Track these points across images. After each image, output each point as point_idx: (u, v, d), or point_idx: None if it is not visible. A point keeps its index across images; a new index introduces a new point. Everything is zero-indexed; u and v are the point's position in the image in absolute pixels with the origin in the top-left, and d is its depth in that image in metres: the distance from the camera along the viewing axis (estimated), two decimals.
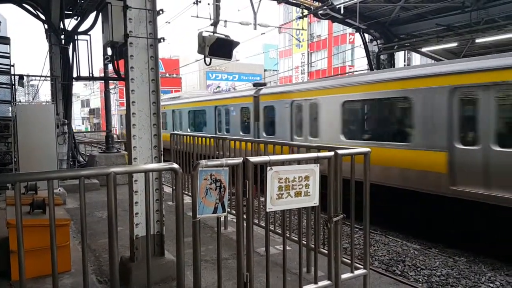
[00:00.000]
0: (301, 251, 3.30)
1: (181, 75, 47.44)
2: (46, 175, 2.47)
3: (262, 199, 3.50)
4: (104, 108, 16.46)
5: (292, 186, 2.85)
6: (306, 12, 14.45)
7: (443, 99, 7.17)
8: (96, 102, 60.14)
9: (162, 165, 2.89)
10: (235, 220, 3.22)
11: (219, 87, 45.45)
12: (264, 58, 48.58)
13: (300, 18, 20.76)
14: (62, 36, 10.25)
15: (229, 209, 3.92)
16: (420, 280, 5.63)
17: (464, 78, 6.95)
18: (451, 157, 7.03)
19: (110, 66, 10.66)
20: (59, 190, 7.32)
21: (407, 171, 7.79)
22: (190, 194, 4.63)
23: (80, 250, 2.60)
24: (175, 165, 2.71)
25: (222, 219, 4.93)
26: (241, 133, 13.36)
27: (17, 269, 2.28)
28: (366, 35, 15.18)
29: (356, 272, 3.51)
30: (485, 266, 6.28)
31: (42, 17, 10.21)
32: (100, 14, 4.42)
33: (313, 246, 3.78)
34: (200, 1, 12.39)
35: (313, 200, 2.99)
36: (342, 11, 13.03)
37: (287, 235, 3.78)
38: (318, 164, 2.98)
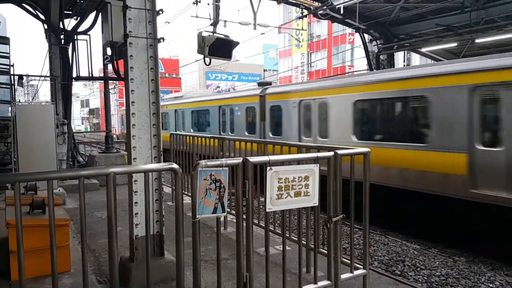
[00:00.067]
0: (301, 251, 3.30)
1: (180, 75, 47.45)
2: (46, 175, 2.47)
3: (262, 199, 3.50)
4: (103, 108, 16.46)
5: (292, 186, 2.85)
6: (305, 12, 14.46)
7: (463, 98, 6.86)
8: (96, 102, 60.15)
9: (162, 165, 2.89)
10: (234, 220, 3.22)
11: (218, 87, 45.45)
12: (263, 58, 48.59)
13: (299, 18, 20.78)
14: (62, 36, 10.25)
15: (228, 209, 3.92)
16: (420, 280, 5.63)
17: (485, 76, 6.66)
18: (472, 159, 6.72)
19: (109, 66, 10.65)
20: (59, 190, 7.31)
21: (424, 173, 7.46)
22: (189, 194, 4.63)
23: (80, 250, 2.60)
24: (175, 165, 2.71)
25: (222, 219, 4.91)
26: (246, 134, 13.10)
27: (16, 269, 2.28)
28: (366, 35, 15.18)
29: (356, 272, 3.51)
30: (485, 266, 6.28)
31: (42, 17, 10.22)
32: (100, 14, 4.42)
33: (312, 246, 3.78)
34: (199, 1, 12.40)
35: (313, 200, 2.99)
36: (341, 11, 13.04)
37: (286, 235, 3.78)
38: (318, 164, 2.98)
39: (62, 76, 10.20)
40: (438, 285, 5.49)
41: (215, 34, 4.70)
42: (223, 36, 4.72)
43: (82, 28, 10.47)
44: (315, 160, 3.07)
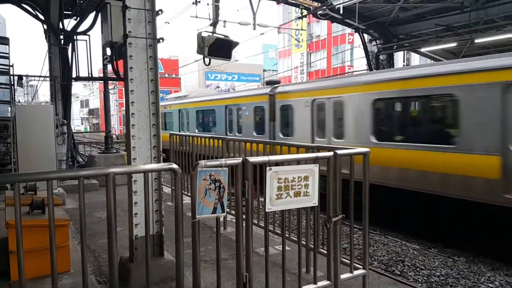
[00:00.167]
0: (301, 251, 3.30)
1: (180, 75, 47.44)
2: (45, 175, 2.47)
3: (262, 199, 3.51)
4: (103, 108, 16.44)
5: (292, 186, 2.85)
6: (305, 12, 14.45)
7: (496, 97, 6.40)
8: (95, 102, 60.16)
9: (161, 165, 2.89)
10: (234, 221, 3.22)
11: (218, 87, 45.47)
12: (263, 58, 48.61)
13: (299, 18, 20.78)
14: (61, 36, 10.25)
15: (228, 210, 3.92)
16: (420, 280, 5.63)
17: None
18: (506, 161, 6.27)
19: (109, 67, 10.67)
20: (58, 190, 7.31)
21: (450, 176, 7.01)
22: (189, 194, 4.63)
23: (80, 250, 2.60)
24: (174, 166, 2.71)
25: (222, 219, 4.91)
26: (254, 134, 12.59)
27: (16, 269, 2.28)
28: (366, 35, 15.20)
29: (356, 272, 3.51)
30: (485, 266, 6.28)
31: (41, 17, 10.22)
32: (99, 14, 4.42)
33: (312, 246, 3.78)
34: (199, 1, 12.40)
35: (313, 200, 2.99)
36: (341, 11, 13.07)
37: (286, 235, 3.79)
38: (318, 164, 2.98)
39: (62, 76, 10.20)
40: (437, 285, 5.49)
41: (214, 34, 4.70)
42: (222, 36, 4.73)
43: (81, 28, 10.47)
44: (314, 160, 3.07)
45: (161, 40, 3.90)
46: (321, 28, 37.98)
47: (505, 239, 6.42)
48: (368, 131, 8.65)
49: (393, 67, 15.58)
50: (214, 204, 2.64)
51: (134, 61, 3.77)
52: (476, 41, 12.40)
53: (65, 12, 10.33)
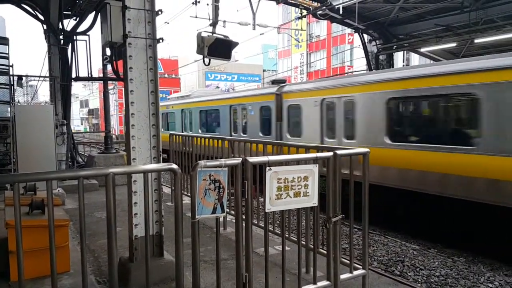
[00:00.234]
0: (300, 251, 3.29)
1: (180, 75, 47.44)
2: (45, 175, 2.47)
3: (261, 199, 3.51)
4: (103, 108, 16.42)
5: (291, 186, 2.85)
6: (305, 12, 14.46)
7: None
8: (95, 102, 60.15)
9: (161, 165, 2.89)
10: (234, 221, 3.22)
11: (218, 87, 45.48)
12: (263, 59, 48.61)
13: (299, 18, 20.76)
14: (61, 37, 10.26)
15: (228, 210, 3.92)
16: (419, 280, 5.63)
17: None
18: None
19: (109, 67, 10.65)
20: (58, 190, 7.31)
21: (471, 179, 6.72)
22: (189, 194, 4.63)
23: (79, 250, 2.60)
24: (174, 166, 2.71)
25: (221, 219, 4.92)
26: (260, 135, 12.25)
27: (16, 269, 2.28)
28: (365, 36, 15.21)
29: (355, 273, 3.51)
30: (484, 266, 6.28)
31: (41, 17, 10.22)
32: (99, 14, 4.42)
33: (312, 246, 3.78)
34: (199, 2, 12.40)
35: (312, 200, 2.99)
36: (341, 12, 13.07)
37: (286, 235, 3.79)
38: (317, 164, 2.98)
39: (61, 76, 10.20)
40: (437, 285, 5.49)
41: (214, 35, 4.70)
42: (222, 37, 4.73)
43: (81, 28, 10.48)
44: (314, 160, 3.07)
45: (160, 40, 3.90)
46: (320, 28, 37.99)
47: (505, 239, 6.42)
48: (383, 132, 8.28)
49: (393, 67, 15.59)
50: (213, 204, 2.64)
51: (133, 61, 3.77)
52: (476, 41, 12.42)
53: (64, 12, 10.33)
